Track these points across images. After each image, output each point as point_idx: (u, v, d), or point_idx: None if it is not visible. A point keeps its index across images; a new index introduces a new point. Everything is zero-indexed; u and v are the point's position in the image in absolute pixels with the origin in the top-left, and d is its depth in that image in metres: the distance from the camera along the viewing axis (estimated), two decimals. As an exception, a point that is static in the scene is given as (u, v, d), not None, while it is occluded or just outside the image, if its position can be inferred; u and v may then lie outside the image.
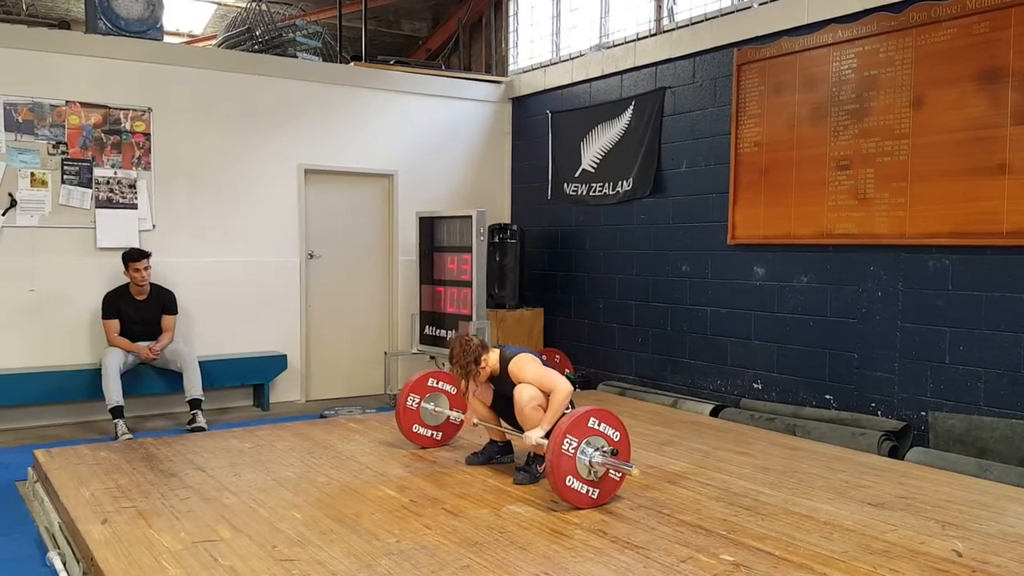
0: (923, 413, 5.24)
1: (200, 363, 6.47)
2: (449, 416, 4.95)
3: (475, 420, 4.53)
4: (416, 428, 4.92)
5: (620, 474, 3.91)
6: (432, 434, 4.96)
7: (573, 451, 3.80)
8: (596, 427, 3.88)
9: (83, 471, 4.38)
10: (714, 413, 6.18)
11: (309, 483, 4.20)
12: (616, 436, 3.93)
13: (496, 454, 4.57)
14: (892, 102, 5.36)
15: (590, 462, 3.82)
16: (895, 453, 5.13)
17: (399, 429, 4.93)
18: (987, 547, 3.36)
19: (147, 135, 6.86)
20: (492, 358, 4.33)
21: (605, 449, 3.85)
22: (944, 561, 3.21)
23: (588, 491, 3.84)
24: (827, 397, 5.80)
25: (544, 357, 4.43)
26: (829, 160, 5.71)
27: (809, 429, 5.52)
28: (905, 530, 3.55)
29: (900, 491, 4.13)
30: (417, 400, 4.92)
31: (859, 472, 4.48)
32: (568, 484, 3.79)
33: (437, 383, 5.00)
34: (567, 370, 7.73)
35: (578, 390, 7.33)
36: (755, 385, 6.28)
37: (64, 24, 8.98)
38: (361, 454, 4.80)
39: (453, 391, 4.96)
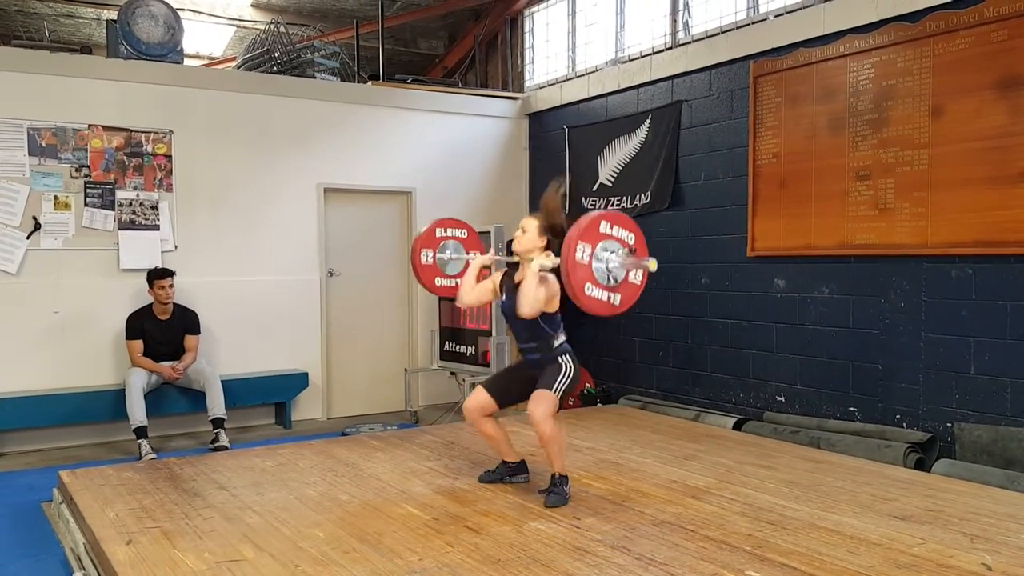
0: (949, 424, 5.18)
1: (222, 382, 6.51)
2: (468, 260, 4.78)
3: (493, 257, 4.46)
4: (439, 281, 4.84)
5: (641, 277, 3.78)
6: (456, 283, 4.83)
7: (588, 258, 3.64)
8: (609, 231, 3.71)
9: (108, 492, 4.41)
10: (737, 426, 6.13)
11: (331, 501, 4.21)
12: (631, 238, 3.77)
13: (508, 474, 4.49)
14: (911, 112, 5.33)
15: (607, 267, 3.69)
16: (921, 465, 5.07)
17: (422, 286, 4.87)
18: (1017, 560, 3.30)
19: (168, 157, 6.94)
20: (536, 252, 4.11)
21: (620, 250, 3.71)
22: (973, 575, 3.16)
23: (609, 297, 3.72)
24: (851, 409, 5.75)
25: None
26: (848, 171, 5.69)
27: (834, 442, 5.47)
28: (933, 544, 3.50)
29: (927, 504, 4.08)
30: (431, 254, 4.82)
31: (885, 485, 4.43)
32: (588, 293, 3.65)
33: (446, 231, 4.90)
34: (588, 385, 7.72)
35: (599, 404, 7.33)
36: (778, 398, 6.23)
37: (86, 49, 9.09)
38: (383, 472, 4.80)
39: (464, 235, 4.89)
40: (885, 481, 4.51)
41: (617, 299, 3.77)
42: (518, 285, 4.15)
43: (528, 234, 4.15)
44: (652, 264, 3.71)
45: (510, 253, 4.32)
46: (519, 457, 4.52)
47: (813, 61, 5.89)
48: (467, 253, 4.87)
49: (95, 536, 3.71)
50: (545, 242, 4.12)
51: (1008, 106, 4.86)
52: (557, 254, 3.95)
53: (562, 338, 4.21)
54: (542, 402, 4.05)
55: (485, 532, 3.69)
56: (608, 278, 3.72)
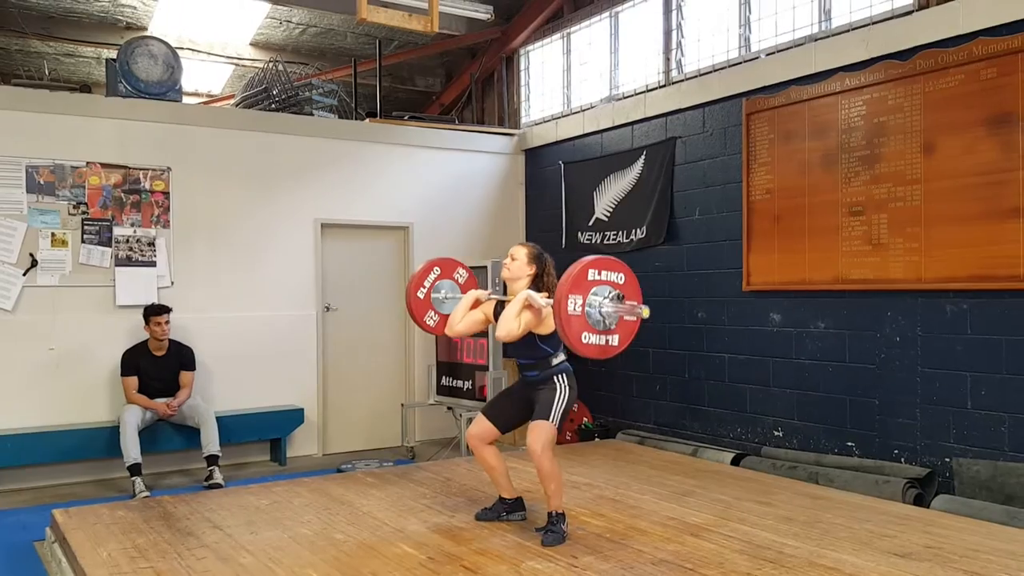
0: (947, 459, 5.16)
1: (217, 418, 6.49)
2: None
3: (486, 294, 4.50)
4: (429, 319, 4.85)
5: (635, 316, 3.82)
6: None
7: (580, 309, 3.69)
8: (597, 277, 3.77)
9: (100, 531, 4.37)
10: (735, 462, 6.10)
11: (326, 540, 4.17)
12: (621, 279, 3.83)
13: (504, 511, 4.46)
14: (903, 148, 5.39)
15: (600, 312, 3.73)
16: (920, 501, 5.04)
17: (414, 321, 4.90)
18: (1018, 599, 3.28)
19: (166, 194, 6.97)
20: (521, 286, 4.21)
21: (612, 295, 3.76)
22: (975, 614, 3.14)
23: (607, 341, 3.78)
24: (849, 444, 5.73)
25: None
26: (841, 206, 5.73)
27: (832, 477, 5.44)
28: (933, 582, 3.48)
29: (927, 540, 4.05)
30: (425, 291, 4.85)
31: (884, 521, 4.40)
32: (585, 342, 3.71)
33: (441, 271, 4.95)
34: (585, 419, 7.69)
35: (597, 439, 7.30)
36: (776, 433, 6.22)
37: (85, 88, 9.20)
38: (378, 509, 4.76)
39: (462, 277, 4.95)
40: (884, 517, 4.49)
41: (615, 340, 3.82)
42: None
43: (517, 261, 4.24)
44: (645, 312, 3.78)
45: (505, 292, 4.35)
46: (516, 494, 4.49)
47: (805, 99, 5.96)
48: (461, 295, 4.89)
49: (87, 577, 3.68)
50: (534, 270, 4.21)
51: (999, 143, 4.92)
52: (541, 284, 4.11)
53: (562, 357, 4.24)
54: (541, 435, 4.05)
55: (482, 572, 3.66)
56: (603, 323, 3.77)
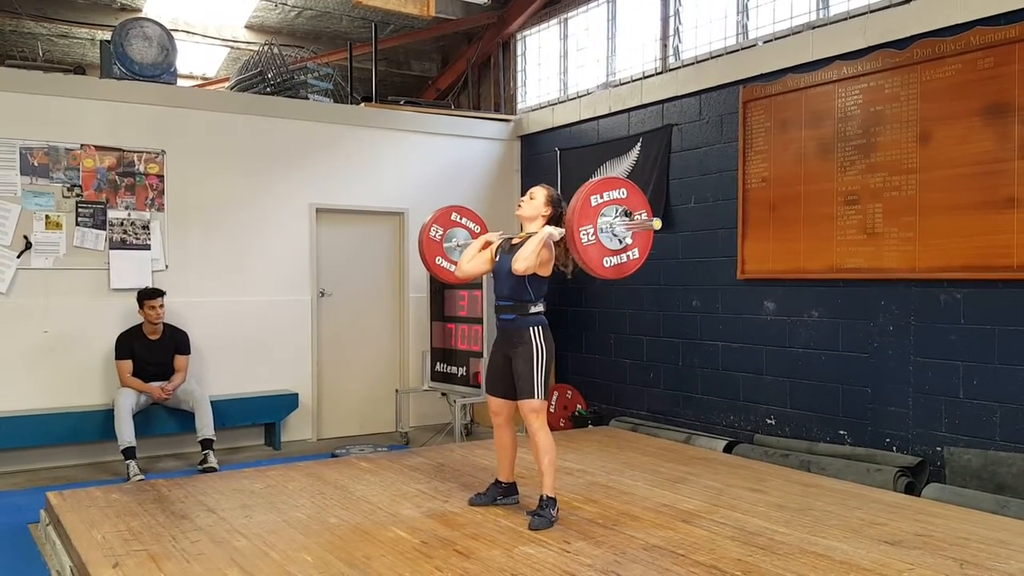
0: (938, 448, 5.19)
1: (212, 402, 6.49)
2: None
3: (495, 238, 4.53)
4: (439, 261, 4.90)
5: (647, 221, 3.90)
6: (454, 268, 4.89)
7: (594, 236, 3.76)
8: (601, 200, 3.83)
9: (95, 513, 4.38)
10: (727, 449, 6.13)
11: (320, 524, 4.18)
12: (623, 193, 3.89)
13: (500, 495, 4.49)
14: (898, 137, 5.39)
15: (613, 232, 3.80)
16: (911, 489, 5.08)
17: (422, 262, 4.93)
18: (1007, 586, 3.31)
19: (160, 177, 6.94)
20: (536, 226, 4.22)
21: (619, 212, 3.82)
22: (963, 601, 3.17)
23: (627, 256, 3.87)
24: (841, 432, 5.76)
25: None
26: (837, 195, 5.73)
27: (824, 465, 5.47)
28: (923, 569, 3.50)
29: (917, 528, 4.08)
30: (440, 231, 4.89)
31: (875, 509, 4.43)
32: (607, 265, 3.82)
33: (460, 218, 4.98)
34: (579, 406, 7.72)
35: (591, 426, 7.32)
36: (768, 420, 6.24)
37: (79, 69, 9.14)
38: (372, 494, 4.78)
39: (476, 228, 4.97)
40: (875, 505, 4.52)
41: (635, 253, 3.91)
42: (515, 247, 4.22)
43: (535, 200, 4.27)
44: (656, 224, 3.84)
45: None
46: (513, 479, 4.52)
47: (802, 87, 5.95)
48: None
49: (81, 559, 3.68)
50: (550, 212, 4.23)
51: (995, 132, 4.92)
52: (559, 223, 4.12)
53: (540, 307, 4.25)
54: (532, 413, 4.15)
55: (475, 556, 3.68)
56: (619, 241, 3.84)
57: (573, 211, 3.81)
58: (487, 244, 4.52)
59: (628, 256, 3.86)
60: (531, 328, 4.20)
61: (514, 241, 4.32)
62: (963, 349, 5.10)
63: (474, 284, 7.14)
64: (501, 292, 4.30)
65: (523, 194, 4.45)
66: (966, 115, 5.05)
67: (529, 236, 4.19)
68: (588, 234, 3.76)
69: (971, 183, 5.02)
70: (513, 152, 8.83)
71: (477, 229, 5.05)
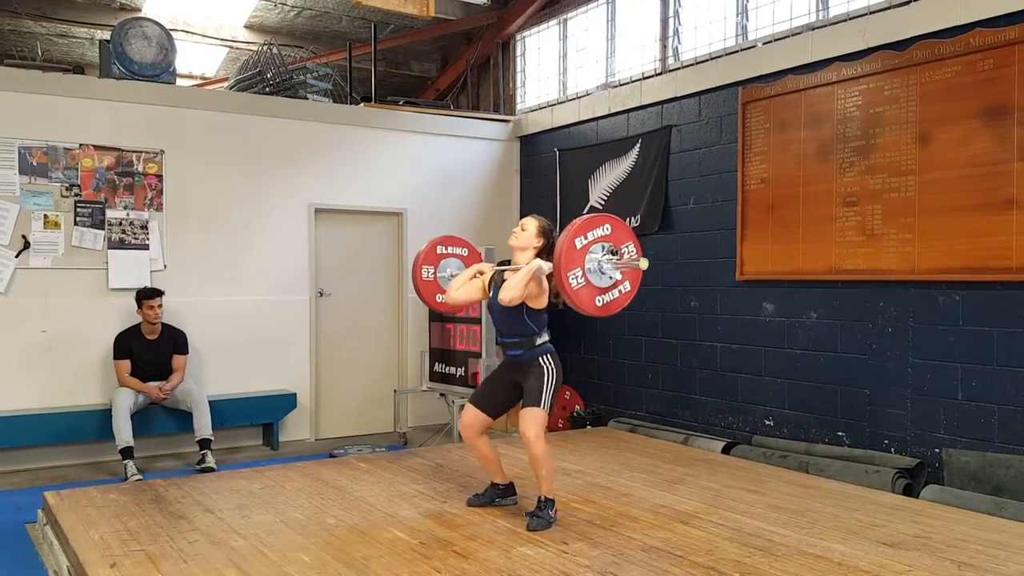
0: (937, 450, 5.19)
1: (210, 402, 6.48)
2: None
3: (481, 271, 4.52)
4: (440, 298, 4.90)
5: (635, 257, 3.93)
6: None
7: (583, 279, 3.77)
8: (586, 242, 3.86)
9: (92, 513, 4.37)
10: (726, 450, 6.13)
11: (318, 525, 4.18)
12: (607, 230, 3.90)
13: (497, 496, 4.48)
14: (898, 139, 5.39)
15: (601, 272, 3.82)
16: (909, 491, 5.07)
17: (423, 302, 4.94)
18: (1005, 588, 3.31)
19: (159, 177, 6.94)
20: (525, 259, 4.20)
21: (607, 252, 3.85)
22: (961, 603, 3.16)
23: (619, 290, 3.90)
24: (839, 434, 5.76)
25: None
26: (836, 196, 5.73)
27: (822, 467, 5.47)
28: (921, 571, 3.50)
29: (915, 530, 4.08)
30: (432, 271, 4.88)
31: (873, 511, 4.43)
32: (600, 304, 3.83)
33: (446, 248, 4.98)
34: (577, 407, 7.71)
35: (589, 427, 7.32)
36: (767, 422, 6.24)
37: (78, 69, 9.12)
38: (370, 495, 4.77)
39: (465, 253, 4.96)
40: (873, 507, 4.51)
41: (626, 287, 3.92)
42: (506, 281, 4.21)
43: (527, 232, 4.23)
44: (643, 264, 3.86)
45: (510, 262, 4.37)
46: (508, 479, 4.52)
47: (801, 88, 5.95)
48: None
49: (79, 559, 3.68)
50: (541, 243, 4.20)
51: (994, 134, 4.92)
52: (547, 258, 4.11)
53: (545, 337, 4.24)
54: (534, 421, 4.08)
55: (473, 557, 3.67)
56: (608, 279, 3.85)
57: (559, 256, 3.81)
58: (478, 274, 4.50)
59: (620, 291, 3.87)
60: (541, 357, 4.20)
61: (505, 275, 4.28)
62: (962, 351, 5.10)
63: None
64: (502, 330, 4.29)
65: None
66: (965, 117, 5.05)
67: (518, 269, 4.19)
68: (577, 278, 3.77)
69: (970, 185, 5.02)
70: (512, 153, 8.83)
71: (465, 253, 5.04)
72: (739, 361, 6.45)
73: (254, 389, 7.24)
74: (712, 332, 6.67)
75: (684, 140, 6.92)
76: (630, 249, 4.01)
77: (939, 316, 5.22)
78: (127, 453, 6.05)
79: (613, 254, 3.85)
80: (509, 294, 4.03)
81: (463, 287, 4.44)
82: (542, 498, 4.15)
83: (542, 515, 4.12)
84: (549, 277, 4.10)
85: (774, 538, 3.95)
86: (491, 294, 4.34)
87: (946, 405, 5.17)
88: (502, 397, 4.39)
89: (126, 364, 6.38)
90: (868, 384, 5.59)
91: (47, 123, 6.54)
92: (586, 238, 3.85)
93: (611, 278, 3.88)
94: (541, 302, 4.15)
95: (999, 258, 4.88)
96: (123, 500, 4.67)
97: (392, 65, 10.28)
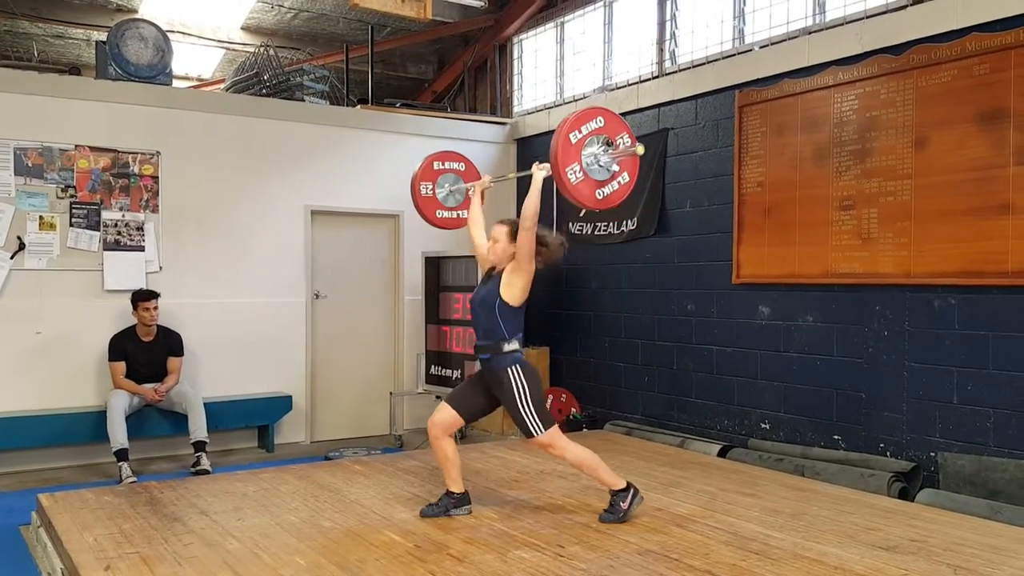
0: (932, 454, 5.19)
1: (205, 404, 6.46)
2: (468, 190, 4.88)
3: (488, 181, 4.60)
4: (440, 214, 4.92)
5: (630, 147, 3.93)
6: (457, 215, 4.95)
7: (581, 173, 3.79)
8: (580, 136, 3.86)
9: (87, 516, 4.36)
10: (722, 453, 6.13)
11: (313, 528, 4.17)
12: (601, 123, 3.90)
13: (452, 506, 4.32)
14: (894, 143, 5.40)
15: (599, 164, 3.84)
16: (905, 495, 5.08)
17: (425, 220, 4.95)
18: (1000, 592, 3.31)
19: (155, 178, 6.92)
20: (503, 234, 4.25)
21: (601, 143, 3.85)
22: (957, 607, 3.16)
23: (618, 182, 3.92)
24: (835, 437, 5.76)
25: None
26: (832, 200, 5.74)
27: (818, 470, 5.47)
28: (916, 574, 3.50)
29: (911, 534, 4.08)
30: (430, 186, 4.89)
31: (869, 514, 4.43)
32: (600, 197, 3.86)
33: (443, 164, 4.98)
34: (573, 410, 7.71)
35: (585, 430, 7.31)
36: (763, 425, 6.24)
37: (75, 70, 9.10)
38: (366, 497, 4.76)
39: (462, 167, 5.00)
40: (869, 510, 4.51)
41: (625, 178, 3.92)
42: (491, 277, 4.27)
43: (500, 243, 4.27)
44: (640, 149, 3.88)
45: (488, 275, 4.37)
46: (464, 488, 4.40)
47: (798, 92, 5.96)
48: (466, 183, 4.96)
49: (73, 561, 3.66)
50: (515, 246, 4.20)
51: (990, 139, 4.93)
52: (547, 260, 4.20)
53: (515, 345, 4.19)
54: (549, 447, 4.20)
55: (468, 560, 3.67)
56: (606, 171, 3.86)
57: (555, 153, 3.80)
58: (482, 194, 4.67)
59: (619, 182, 3.90)
60: (508, 369, 4.15)
61: (492, 274, 4.31)
62: (957, 354, 5.10)
63: (469, 289, 7.12)
64: (477, 330, 4.30)
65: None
66: (961, 121, 5.06)
67: (502, 271, 4.20)
68: (575, 172, 3.78)
69: (966, 189, 5.03)
70: (509, 155, 8.83)
71: (462, 167, 5.07)
72: (735, 364, 6.45)
73: (249, 391, 7.22)
74: (708, 335, 6.67)
75: (681, 143, 6.92)
76: (625, 139, 4.00)
77: (935, 320, 5.22)
78: (122, 455, 6.03)
79: (608, 145, 3.86)
80: (531, 209, 4.01)
81: (475, 224, 4.58)
82: (612, 492, 4.23)
83: (613, 509, 4.21)
84: (546, 245, 4.14)
85: (770, 541, 3.94)
86: (475, 292, 4.37)
87: (942, 409, 5.18)
88: (476, 403, 4.37)
89: (121, 366, 6.36)
90: (864, 388, 5.60)
91: (43, 124, 6.52)
92: (580, 132, 3.86)
93: (608, 171, 3.90)
94: (522, 296, 4.15)
95: (995, 262, 4.89)
96: (117, 502, 4.65)
97: (389, 67, 10.28)
